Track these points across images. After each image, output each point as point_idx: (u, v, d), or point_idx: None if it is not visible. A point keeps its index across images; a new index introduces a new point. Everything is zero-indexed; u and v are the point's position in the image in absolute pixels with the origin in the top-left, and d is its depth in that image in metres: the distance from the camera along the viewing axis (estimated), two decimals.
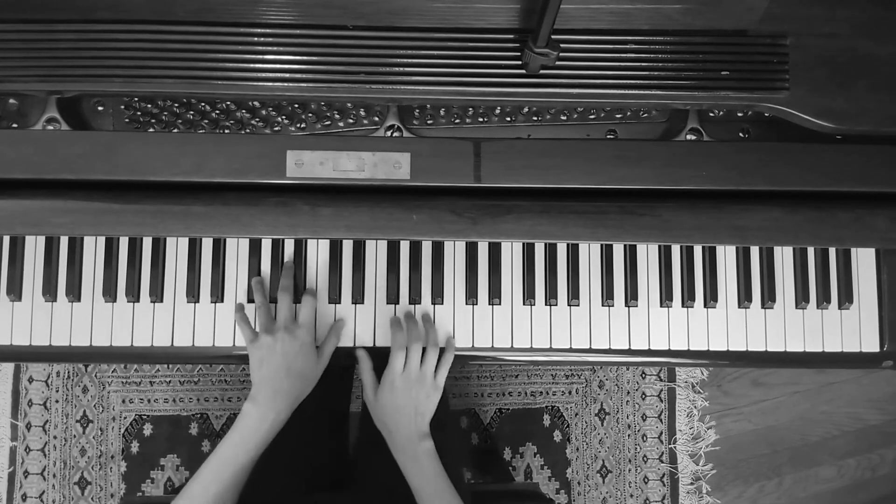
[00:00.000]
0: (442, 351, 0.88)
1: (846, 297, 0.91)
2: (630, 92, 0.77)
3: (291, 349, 0.82)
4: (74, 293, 0.88)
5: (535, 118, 0.88)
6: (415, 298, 0.90)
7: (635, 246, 0.92)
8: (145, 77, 0.75)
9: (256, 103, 0.85)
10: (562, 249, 0.92)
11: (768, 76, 0.77)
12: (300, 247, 0.90)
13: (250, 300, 0.89)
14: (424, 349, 0.86)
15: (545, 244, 0.91)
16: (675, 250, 0.92)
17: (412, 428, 0.82)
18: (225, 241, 0.90)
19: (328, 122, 0.86)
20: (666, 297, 0.91)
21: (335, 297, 0.90)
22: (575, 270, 0.91)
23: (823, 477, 1.70)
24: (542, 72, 0.76)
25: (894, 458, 1.72)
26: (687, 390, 1.64)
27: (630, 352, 0.91)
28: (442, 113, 0.87)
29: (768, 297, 0.91)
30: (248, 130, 0.85)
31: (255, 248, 0.90)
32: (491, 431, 1.61)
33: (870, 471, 1.71)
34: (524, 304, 0.91)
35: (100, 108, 0.86)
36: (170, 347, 0.89)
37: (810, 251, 0.92)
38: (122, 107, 0.86)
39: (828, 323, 0.92)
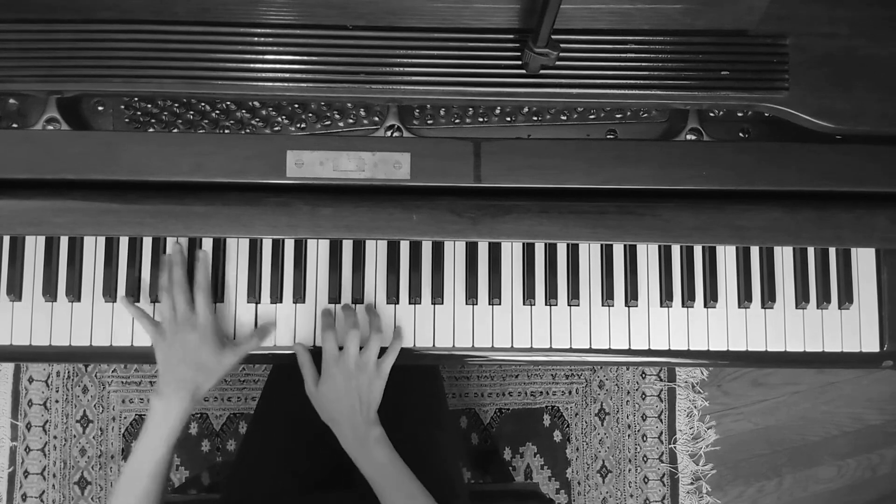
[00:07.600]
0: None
1: (846, 298, 0.91)
2: (630, 92, 0.77)
3: (192, 340, 0.82)
4: (74, 293, 0.88)
5: (535, 118, 0.88)
6: (415, 298, 0.90)
7: (635, 246, 0.92)
8: (145, 77, 0.75)
9: (256, 103, 0.85)
10: (562, 249, 0.92)
11: (768, 76, 0.77)
12: (300, 247, 0.90)
13: (249, 300, 0.89)
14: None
15: (545, 244, 0.91)
16: (675, 250, 0.92)
17: (357, 417, 0.81)
18: (225, 241, 0.90)
19: (328, 122, 0.86)
20: (666, 297, 0.91)
21: (335, 298, 0.90)
22: (575, 270, 0.91)
23: (823, 477, 1.70)
24: (542, 72, 0.76)
25: (894, 458, 1.72)
26: (687, 390, 1.64)
27: (630, 352, 0.91)
28: (442, 113, 0.87)
29: (768, 297, 0.91)
30: (248, 130, 0.85)
31: (254, 248, 0.90)
32: (491, 431, 1.61)
33: (870, 471, 1.71)
34: (524, 304, 0.91)
35: (100, 108, 0.86)
36: None
37: (810, 251, 0.92)
38: (122, 107, 0.86)
39: (828, 323, 0.92)
